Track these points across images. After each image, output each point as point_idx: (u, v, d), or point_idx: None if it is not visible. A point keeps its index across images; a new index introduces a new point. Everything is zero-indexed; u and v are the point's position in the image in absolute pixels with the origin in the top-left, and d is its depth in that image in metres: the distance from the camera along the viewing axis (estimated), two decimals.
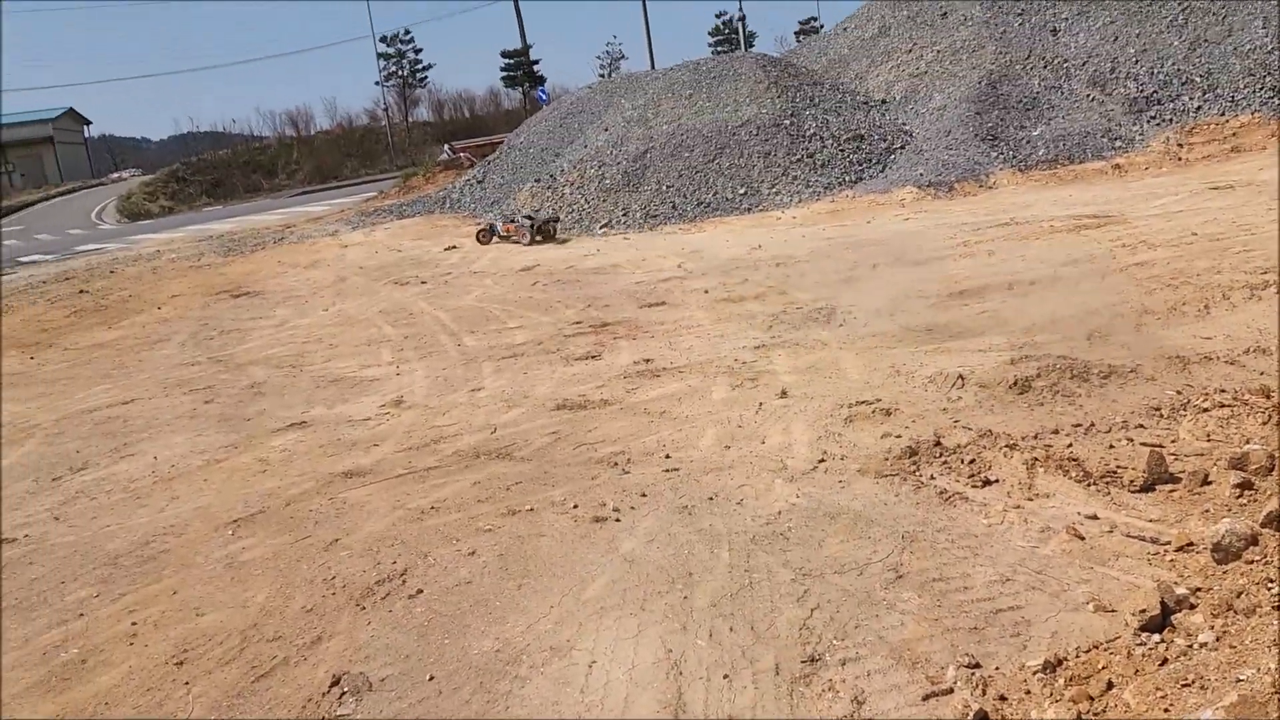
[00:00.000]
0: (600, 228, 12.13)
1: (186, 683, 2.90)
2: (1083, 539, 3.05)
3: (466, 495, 4.02)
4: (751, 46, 43.42)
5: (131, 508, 4.38)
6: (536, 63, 51.56)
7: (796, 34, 55.20)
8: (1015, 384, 4.49)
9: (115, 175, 61.68)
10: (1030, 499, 3.37)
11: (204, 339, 8.28)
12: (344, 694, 2.74)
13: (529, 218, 12.25)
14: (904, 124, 13.44)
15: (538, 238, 11.80)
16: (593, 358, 6.06)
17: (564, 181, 13.61)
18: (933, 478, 3.63)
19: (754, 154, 12.64)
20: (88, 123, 74.81)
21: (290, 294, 10.13)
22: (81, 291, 12.70)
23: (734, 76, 14.40)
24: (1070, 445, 3.76)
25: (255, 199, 37.81)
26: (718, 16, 58.45)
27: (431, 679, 2.75)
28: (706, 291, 7.64)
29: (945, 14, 15.35)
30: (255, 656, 2.99)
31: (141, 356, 7.88)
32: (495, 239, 12.23)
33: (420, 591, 3.25)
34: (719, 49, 57.17)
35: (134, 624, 3.28)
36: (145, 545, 3.91)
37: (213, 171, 43.82)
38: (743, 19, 41.91)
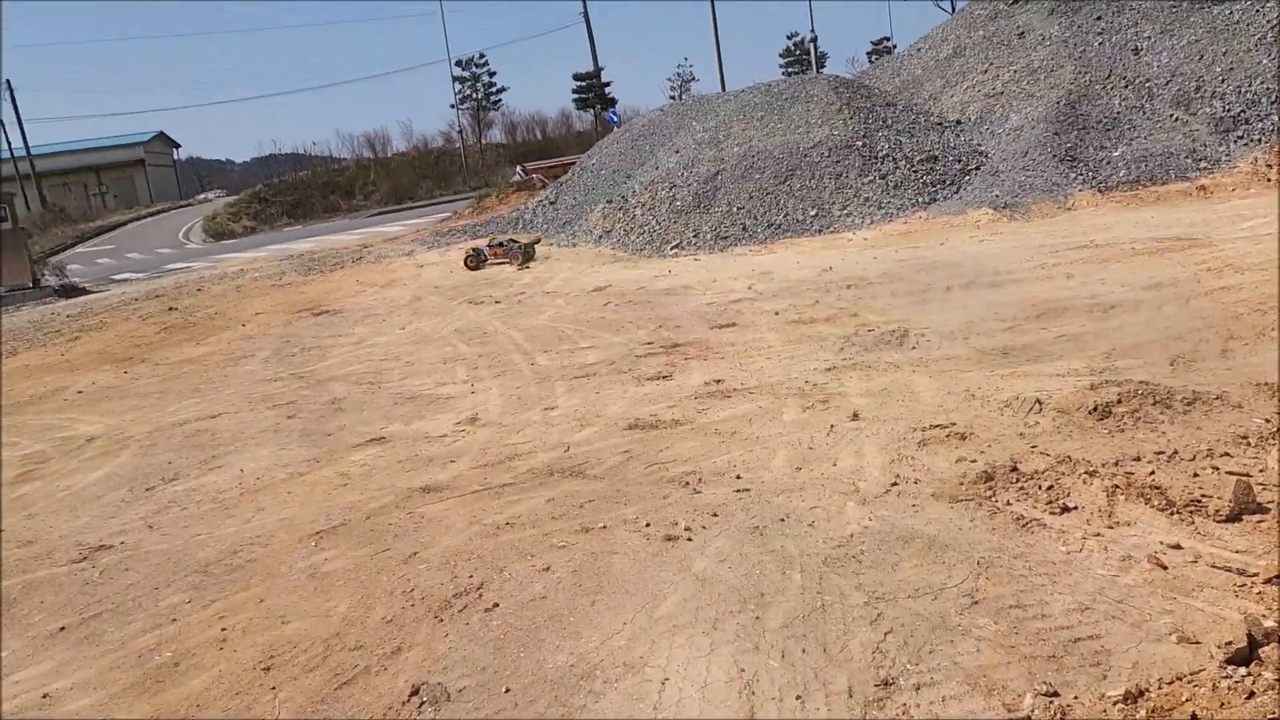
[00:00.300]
0: (671, 249, 12.21)
1: (273, 688, 3.00)
2: (1166, 569, 2.99)
3: (541, 512, 4.09)
4: (823, 68, 43.33)
5: (220, 518, 4.54)
6: (608, 85, 52.09)
7: (869, 54, 54.92)
8: (1095, 409, 4.42)
9: (201, 196, 63.82)
10: (1111, 527, 3.32)
11: (286, 355, 8.54)
12: (423, 703, 2.81)
13: (513, 241, 13.12)
14: (979, 145, 13.30)
15: (527, 264, 12.65)
16: (664, 378, 6.11)
17: (635, 203, 13.73)
18: (1009, 503, 3.59)
19: (825, 175, 12.62)
20: (177, 146, 77.48)
21: (368, 312, 10.38)
22: (170, 309, 13.19)
23: (806, 98, 14.41)
24: (1153, 473, 3.69)
25: (333, 219, 38.71)
26: (789, 38, 58.40)
27: (508, 691, 2.81)
28: (777, 313, 7.64)
29: (1022, 34, 15.17)
30: (338, 664, 3.08)
31: (227, 372, 8.15)
32: (484, 263, 12.93)
33: (496, 605, 3.31)
34: (790, 71, 57.13)
35: (223, 630, 3.40)
36: (233, 554, 4.06)
37: (293, 192, 45.03)
38: (814, 40, 41.84)
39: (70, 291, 20.01)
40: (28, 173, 60.14)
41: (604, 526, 3.85)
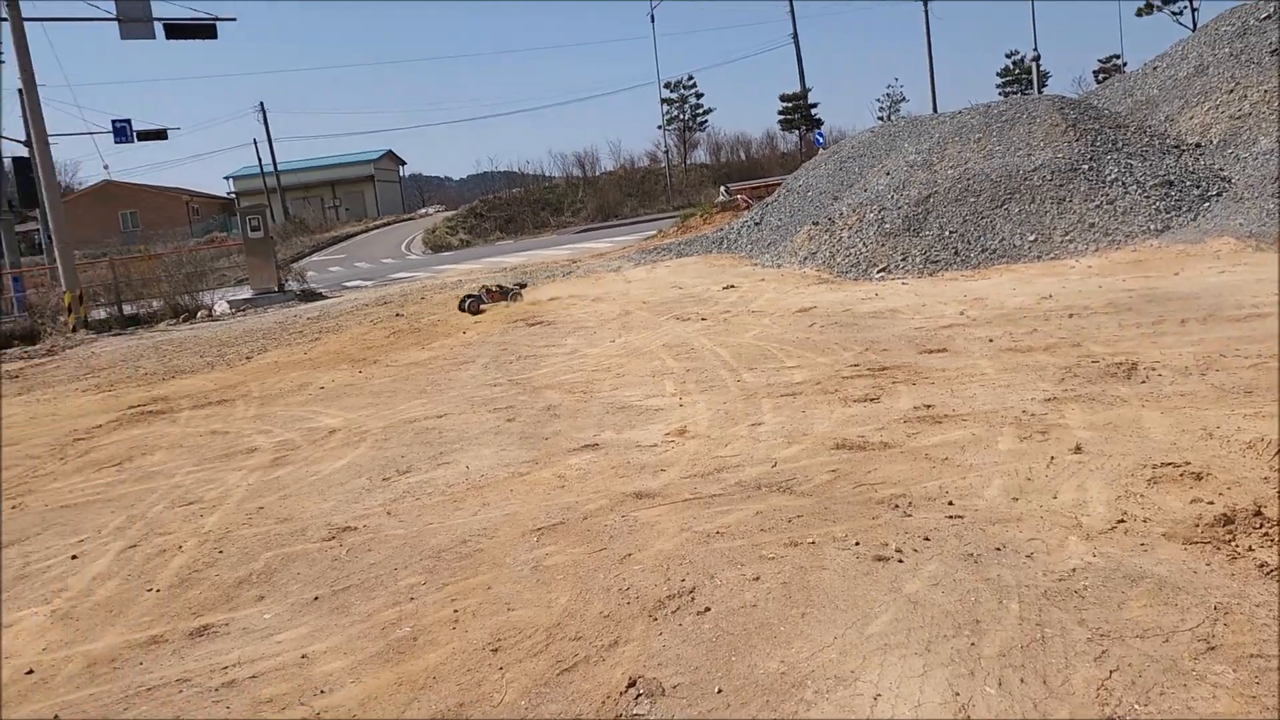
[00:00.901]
0: (878, 272, 12.05)
1: (501, 668, 3.23)
2: None
3: (749, 524, 4.19)
4: (1044, 88, 41.41)
5: (449, 510, 4.89)
6: (814, 106, 51.84)
7: (1096, 74, 52.13)
8: None
9: (422, 210, 67.95)
10: None
11: (504, 363, 9.03)
12: (639, 695, 2.95)
13: (503, 287, 14.26)
14: (1221, 169, 12.40)
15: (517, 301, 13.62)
16: (871, 400, 6.08)
17: (841, 225, 13.63)
18: (1251, 549, 3.39)
19: (1047, 199, 12.11)
20: (403, 163, 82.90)
21: (579, 325, 10.81)
22: (397, 314, 14.17)
23: (1028, 119, 13.88)
24: None
25: (542, 234, 40.29)
26: (1008, 56, 56.23)
27: (720, 692, 2.91)
28: (991, 340, 7.43)
29: (1276, 50, 14.04)
30: (559, 652, 3.28)
31: (450, 375, 8.71)
32: (483, 306, 13.48)
33: (708, 609, 3.43)
34: (1007, 91, 54.94)
35: (456, 611, 3.68)
36: (463, 544, 4.37)
37: (506, 208, 47.16)
38: (1037, 59, 40.09)
39: (309, 296, 21.80)
40: (274, 187, 65.82)
41: (813, 542, 3.90)
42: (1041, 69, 40.57)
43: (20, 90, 23.16)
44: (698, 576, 3.71)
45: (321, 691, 3.20)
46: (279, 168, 66.91)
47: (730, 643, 3.19)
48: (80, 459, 7.29)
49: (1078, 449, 4.66)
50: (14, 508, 6.06)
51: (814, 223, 14.52)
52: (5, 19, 20.00)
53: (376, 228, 58.19)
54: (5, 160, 25.50)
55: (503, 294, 13.89)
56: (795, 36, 49.81)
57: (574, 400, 7.07)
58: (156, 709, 3.23)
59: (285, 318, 17.33)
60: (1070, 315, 7.99)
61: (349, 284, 26.09)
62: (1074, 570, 3.39)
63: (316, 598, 3.99)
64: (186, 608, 4.06)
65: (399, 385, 8.58)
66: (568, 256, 23.11)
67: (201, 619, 3.93)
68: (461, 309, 13.50)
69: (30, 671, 3.63)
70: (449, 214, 51.71)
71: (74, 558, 4.89)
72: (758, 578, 3.63)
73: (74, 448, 7.75)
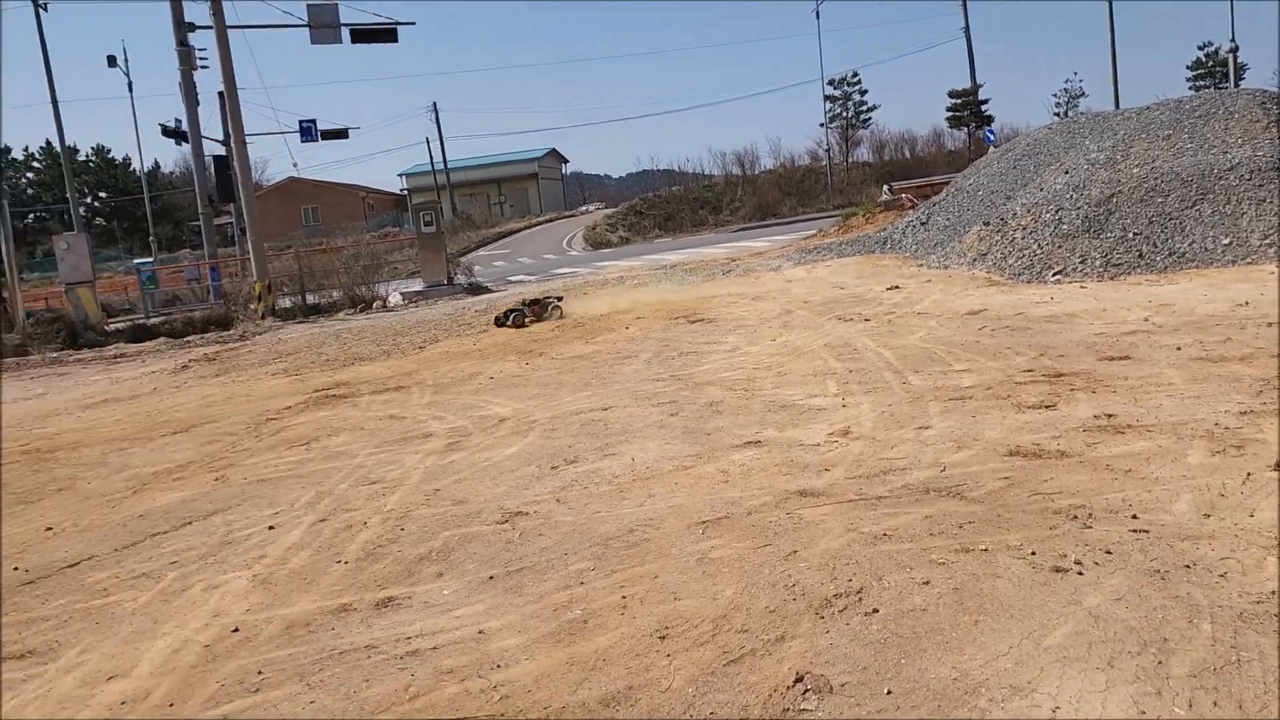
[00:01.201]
0: (1053, 275, 11.56)
1: (668, 655, 3.30)
2: None
3: (918, 528, 4.12)
4: (1242, 81, 38.61)
5: (616, 499, 5.02)
6: (985, 103, 49.98)
7: None
8: None
9: (583, 208, 69.33)
10: None
11: (666, 358, 9.15)
12: (806, 691, 2.97)
13: (539, 300, 14.12)
14: None
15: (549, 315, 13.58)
16: (1047, 407, 5.86)
17: (1015, 225, 13.14)
18: None
19: (1244, 200, 11.32)
20: (565, 161, 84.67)
21: (739, 323, 10.83)
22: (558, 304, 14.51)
23: (1224, 114, 13.02)
24: None
25: (700, 233, 40.44)
26: (1200, 49, 52.73)
27: (889, 693, 2.90)
28: (1179, 348, 7.03)
29: None
30: (726, 643, 3.33)
31: (614, 370, 8.90)
32: (526, 321, 13.35)
33: (876, 611, 3.41)
34: (1198, 85, 51.59)
35: (624, 597, 3.79)
36: (630, 533, 4.48)
37: (665, 206, 47.53)
38: (1234, 50, 37.39)
39: (476, 289, 22.61)
40: (444, 184, 68.47)
41: (985, 549, 3.81)
42: (1239, 61, 37.84)
43: (220, 93, 24.97)
44: (865, 577, 3.68)
45: (498, 666, 3.36)
46: (448, 165, 69.66)
47: (899, 645, 3.16)
48: (273, 437, 7.83)
49: (1278, 466, 4.37)
50: (217, 479, 6.58)
51: (984, 223, 14.05)
52: (210, 27, 21.60)
53: (539, 224, 59.80)
54: (207, 159, 27.54)
55: (542, 309, 13.90)
56: (967, 30, 47.97)
57: (735, 397, 7.11)
58: (348, 672, 3.46)
59: (455, 309, 18.05)
60: (1269, 324, 7.47)
61: (513, 278, 26.92)
62: (1273, 593, 3.20)
63: (491, 577, 4.17)
64: (372, 580, 4.32)
65: (564, 377, 8.83)
66: (726, 255, 23.14)
67: (386, 591, 4.17)
68: (501, 324, 13.53)
69: (236, 630, 3.95)
70: (609, 211, 52.56)
71: (270, 528, 5.27)
72: (927, 582, 3.58)
73: (267, 427, 8.33)
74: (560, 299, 14.49)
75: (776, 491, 4.82)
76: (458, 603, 3.96)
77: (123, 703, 3.42)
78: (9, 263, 23.45)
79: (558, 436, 6.55)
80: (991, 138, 36.03)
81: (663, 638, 3.42)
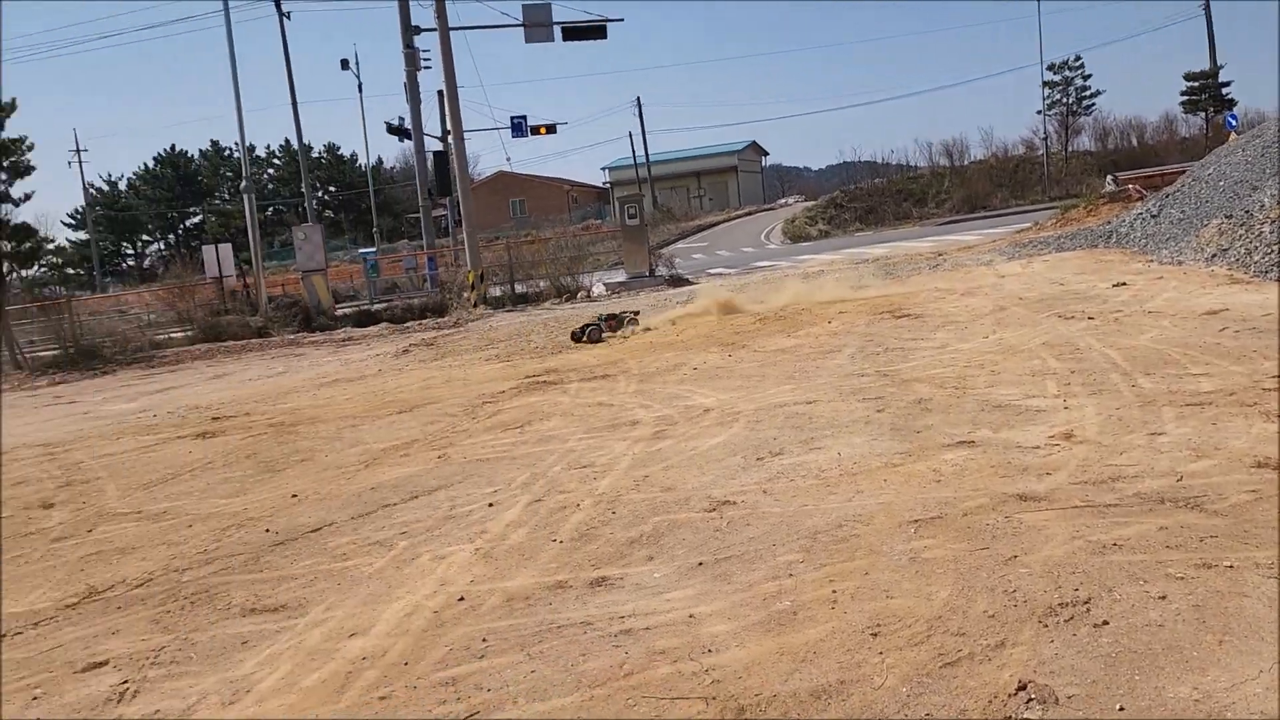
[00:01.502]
0: None
1: (880, 653, 3.26)
2: None
3: (1152, 539, 3.88)
4: None
5: (823, 493, 4.99)
6: (1226, 85, 45.99)
7: None
8: None
9: (781, 201, 68.81)
10: None
11: (870, 354, 8.98)
12: (1030, 700, 2.86)
13: (616, 315, 13.89)
14: None
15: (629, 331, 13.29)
16: None
17: (1263, 219, 12.04)
18: None
19: None
20: (765, 154, 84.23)
21: (948, 319, 10.48)
22: (762, 303, 14.50)
23: None
24: None
25: (903, 226, 39.38)
26: None
27: (1121, 709, 2.75)
28: None
29: None
30: (941, 645, 3.26)
31: (817, 364, 8.81)
32: (602, 336, 12.93)
33: (1106, 623, 3.24)
34: None
35: (834, 591, 3.77)
36: (838, 528, 4.44)
37: (866, 199, 46.53)
38: None
39: (676, 281, 22.88)
40: (644, 177, 69.62)
41: (1230, 566, 3.55)
42: None
43: (439, 92, 26.39)
44: (1093, 587, 3.51)
45: (709, 650, 3.42)
46: (649, 159, 70.76)
47: (1132, 660, 3.00)
48: (488, 420, 8.24)
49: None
50: (439, 457, 7.00)
51: (1226, 216, 12.95)
52: (434, 29, 22.83)
53: (737, 217, 59.84)
54: (426, 154, 29.18)
55: (619, 323, 13.64)
56: (1207, 7, 44.25)
57: (946, 395, 6.89)
58: (565, 646, 3.61)
59: (656, 300, 18.36)
60: None
61: (712, 270, 27.09)
62: None
63: (700, 563, 4.25)
64: (586, 559, 4.49)
65: (767, 370, 8.82)
66: (931, 249, 22.39)
67: (599, 571, 4.33)
68: (577, 340, 13.24)
69: (461, 599, 4.20)
70: (808, 204, 51.95)
71: (490, 505, 5.56)
72: (1164, 596, 3.37)
73: (482, 410, 8.77)
74: (638, 313, 14.20)
75: (993, 494, 4.65)
76: (668, 586, 4.06)
77: (363, 658, 3.71)
78: (254, 251, 25.69)
79: (762, 428, 6.56)
80: (1234, 123, 33.11)
81: (874, 634, 3.39)
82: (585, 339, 13.02)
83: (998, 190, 43.64)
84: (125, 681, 3.78)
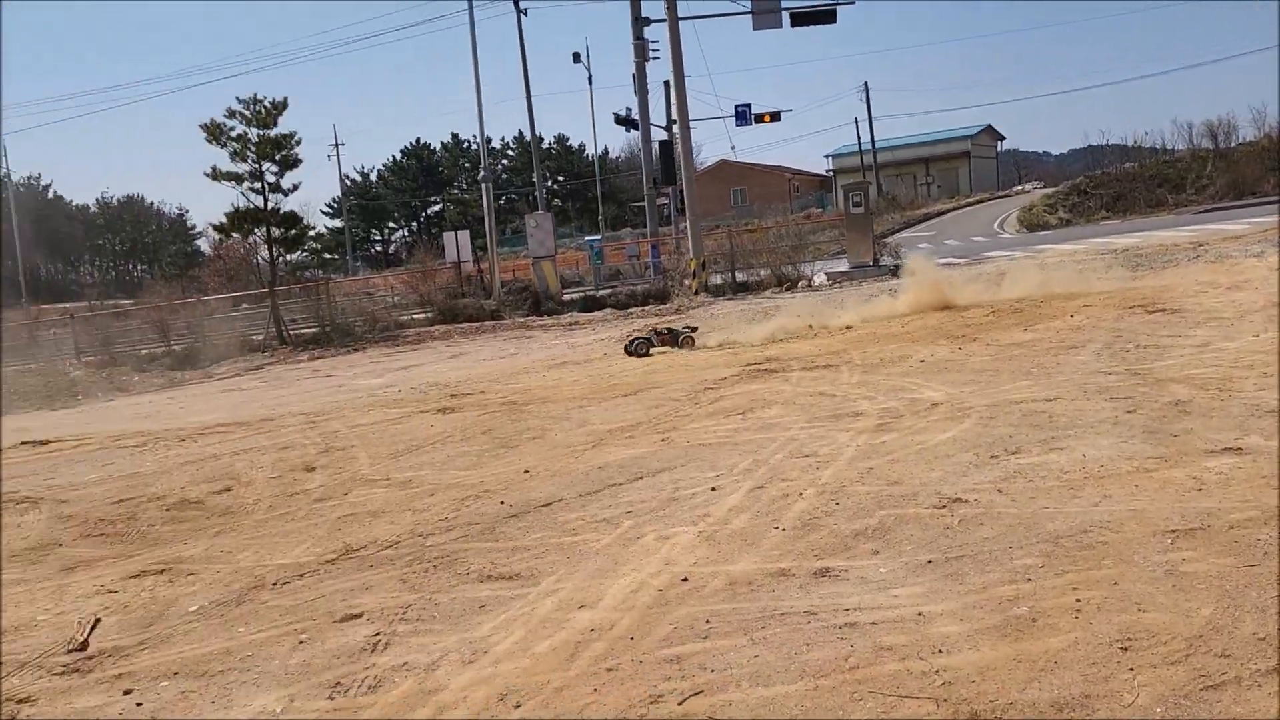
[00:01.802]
0: None
1: (1131, 669, 3.04)
2: None
3: None
4: None
5: (1065, 496, 4.70)
6: None
7: None
8: None
9: (1017, 187, 65.21)
10: None
11: (1119, 350, 8.37)
12: None
13: (673, 330, 13.35)
14: None
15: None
16: None
17: None
18: None
19: None
20: (1001, 139, 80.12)
21: (1211, 315, 9.59)
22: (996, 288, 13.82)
23: None
24: None
25: (1156, 214, 36.50)
26: None
27: None
28: None
29: None
30: (1202, 665, 3.00)
31: (1057, 359, 8.30)
32: (652, 349, 12.44)
33: None
34: None
35: (1078, 600, 3.55)
36: (1083, 533, 4.17)
37: (1114, 185, 43.32)
38: None
39: (901, 271, 22.19)
40: (869, 164, 67.96)
41: None
42: None
43: (666, 82, 26.76)
44: None
45: (939, 651, 3.31)
46: (875, 145, 68.93)
47: None
48: (710, 405, 8.31)
49: None
50: (663, 440, 7.13)
51: None
52: (663, 20, 23.17)
53: (968, 205, 57.26)
54: (653, 144, 29.70)
55: (673, 338, 12.95)
56: None
57: (1207, 398, 6.32)
58: (788, 633, 3.59)
59: (878, 291, 17.89)
60: None
61: (939, 261, 26.05)
62: None
63: (929, 561, 4.11)
64: (809, 549, 4.45)
65: (1000, 365, 8.41)
66: (1190, 239, 20.55)
67: (823, 561, 4.27)
68: (629, 353, 12.74)
69: (685, 579, 4.27)
70: (1047, 191, 49.00)
71: (713, 489, 5.61)
72: None
73: (705, 395, 8.86)
74: (695, 329, 13.50)
75: (1265, 506, 4.22)
76: (895, 582, 3.95)
77: (591, 630, 3.84)
78: (490, 238, 27.07)
79: (996, 425, 6.26)
80: None
81: (1124, 649, 3.16)
82: (633, 353, 12.83)
83: (1271, 174, 39.41)
84: (378, 634, 4.09)
